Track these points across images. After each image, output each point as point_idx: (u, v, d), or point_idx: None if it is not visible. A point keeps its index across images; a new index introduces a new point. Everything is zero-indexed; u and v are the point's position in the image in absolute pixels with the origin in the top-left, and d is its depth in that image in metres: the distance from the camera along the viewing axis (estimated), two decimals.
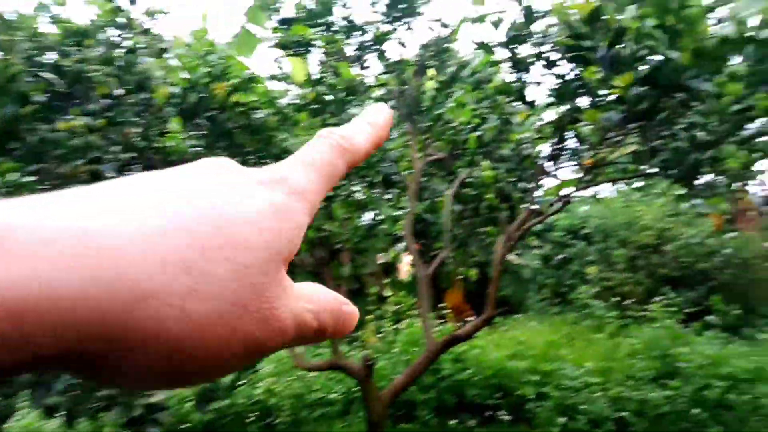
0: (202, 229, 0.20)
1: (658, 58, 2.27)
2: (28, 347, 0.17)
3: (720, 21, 2.88)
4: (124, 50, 3.61)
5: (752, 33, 2.72)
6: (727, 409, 4.97)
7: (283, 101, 4.63)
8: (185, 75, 3.46)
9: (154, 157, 3.92)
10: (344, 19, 4.22)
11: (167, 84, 3.68)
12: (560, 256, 8.62)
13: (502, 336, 6.99)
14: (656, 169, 4.14)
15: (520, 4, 2.79)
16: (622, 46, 2.26)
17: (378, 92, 5.07)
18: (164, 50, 3.77)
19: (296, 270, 4.37)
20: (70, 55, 3.45)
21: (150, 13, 3.57)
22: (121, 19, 3.67)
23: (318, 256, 4.27)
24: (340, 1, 4.28)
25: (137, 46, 3.63)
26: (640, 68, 2.35)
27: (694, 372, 5.39)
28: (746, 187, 9.77)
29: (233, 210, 0.21)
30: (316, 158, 0.26)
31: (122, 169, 3.86)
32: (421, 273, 4.52)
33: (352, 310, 0.27)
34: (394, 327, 7.11)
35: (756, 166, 5.29)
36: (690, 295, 7.52)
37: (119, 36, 3.70)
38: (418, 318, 6.93)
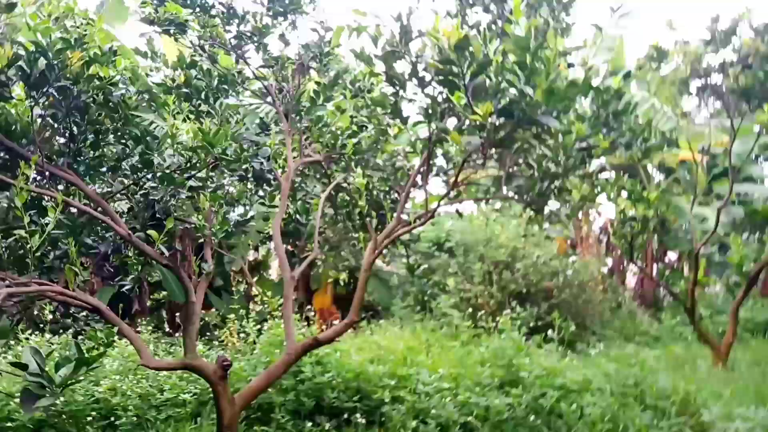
0: None
1: (516, 91, 2.45)
2: None
3: (571, 65, 3.18)
4: None
5: (596, 81, 3.05)
6: (559, 417, 5.49)
7: (151, 80, 4.32)
8: (34, 38, 3.08)
9: None
10: (222, 4, 4.04)
11: (13, 44, 3.26)
12: (424, 266, 8.99)
13: (365, 340, 7.10)
14: (511, 193, 4.48)
15: (398, 21, 2.86)
16: (485, 77, 2.42)
17: (255, 85, 4.92)
18: (13, 5, 3.33)
19: (154, 264, 4.09)
20: None
21: None
22: None
23: (177, 251, 4.02)
24: None
25: None
26: (500, 99, 2.52)
27: (533, 381, 5.88)
28: (588, 216, 10.98)
29: None
30: None
31: None
32: (287, 274, 4.45)
33: None
34: (258, 328, 6.90)
35: (596, 199, 5.94)
36: (534, 310, 8.23)
37: None
38: (282, 319, 6.82)
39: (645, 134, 4.48)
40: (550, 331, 7.85)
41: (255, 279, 11.84)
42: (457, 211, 4.99)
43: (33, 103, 3.41)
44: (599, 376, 6.06)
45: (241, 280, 11.05)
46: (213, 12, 3.93)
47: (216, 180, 4.43)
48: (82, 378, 4.29)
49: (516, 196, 4.13)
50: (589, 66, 3.20)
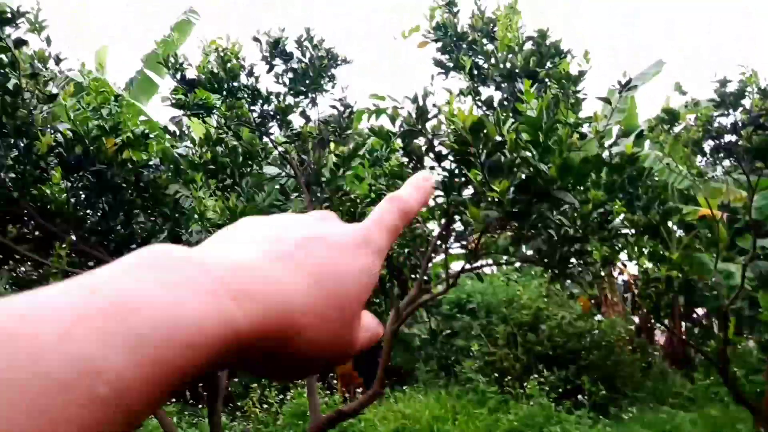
0: (330, 286, 0.30)
1: (531, 168, 2.54)
2: (246, 352, 0.26)
3: (584, 136, 3.27)
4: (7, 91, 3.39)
5: (606, 155, 3.13)
6: None
7: (177, 152, 4.51)
8: (73, 126, 3.30)
9: (30, 205, 3.64)
10: (248, 87, 4.27)
11: (52, 132, 3.49)
12: (447, 331, 8.87)
13: (389, 408, 6.96)
14: (531, 255, 4.50)
15: (415, 102, 3.01)
16: (501, 155, 2.51)
17: (275, 153, 5.11)
18: (54, 96, 3.58)
19: None
20: None
21: (40, 58, 3.41)
22: (4, 58, 3.46)
23: None
24: (246, 69, 4.35)
25: (22, 89, 3.43)
26: (516, 175, 2.61)
27: None
28: (611, 275, 10.82)
29: (344, 269, 0.31)
30: (387, 221, 0.35)
31: None
32: None
33: (380, 331, 0.37)
34: (280, 398, 6.83)
35: (618, 259, 5.90)
36: (562, 374, 8.01)
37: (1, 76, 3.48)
38: (305, 388, 6.74)
39: (662, 197, 4.52)
40: (580, 396, 7.61)
41: None
42: (477, 274, 5.00)
43: (69, 186, 3.60)
44: None
45: None
46: (239, 95, 4.15)
47: None
48: None
49: (536, 259, 4.15)
50: (601, 136, 3.29)
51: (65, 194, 3.63)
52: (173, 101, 3.85)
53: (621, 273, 11.12)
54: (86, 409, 0.19)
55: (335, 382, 9.43)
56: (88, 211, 3.90)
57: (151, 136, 3.73)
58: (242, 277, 0.26)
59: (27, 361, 0.19)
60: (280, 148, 4.97)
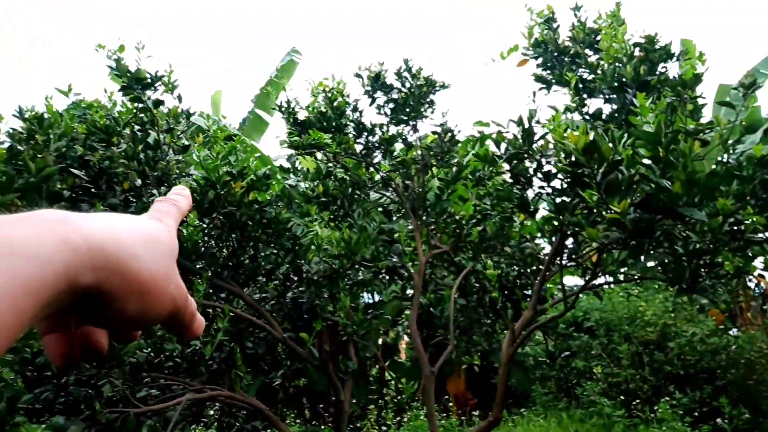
0: (149, 237, 0.38)
1: (652, 185, 2.43)
2: (87, 274, 0.32)
3: (706, 143, 3.07)
4: (147, 145, 3.83)
5: (736, 158, 2.91)
6: None
7: (288, 183, 4.83)
8: (205, 173, 3.65)
9: None
10: (353, 121, 4.48)
11: (187, 180, 3.87)
12: (565, 353, 8.50)
13: None
14: (654, 268, 4.23)
15: (519, 125, 3.00)
16: (617, 172, 2.43)
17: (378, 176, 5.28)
18: (187, 147, 3.99)
19: (307, 365, 4.37)
20: (97, 150, 3.67)
21: (174, 116, 3.82)
22: (145, 117, 3.92)
23: (324, 351, 4.29)
24: (350, 105, 4.57)
25: (160, 142, 3.86)
26: (635, 193, 2.51)
27: None
28: (747, 286, 9.81)
29: (155, 231, 0.40)
30: (166, 212, 0.45)
31: None
32: (427, 369, 4.51)
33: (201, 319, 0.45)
34: (397, 419, 6.93)
35: (755, 267, 5.36)
36: (697, 395, 7.36)
37: (142, 132, 3.94)
38: (421, 409, 6.80)
39: None
40: (719, 419, 6.94)
41: (387, 363, 11.93)
42: (595, 292, 4.79)
43: (203, 226, 3.98)
44: None
45: (373, 364, 11.23)
46: (346, 130, 4.37)
47: (353, 276, 4.73)
48: None
49: (660, 274, 3.90)
50: (725, 140, 3.07)
51: (200, 233, 4.00)
52: (289, 143, 4.14)
53: (758, 283, 10.06)
54: None
55: (450, 404, 9.38)
56: (219, 248, 4.26)
57: (270, 175, 4.02)
58: (70, 218, 0.33)
59: None
60: (384, 175, 5.14)
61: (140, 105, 3.74)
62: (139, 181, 3.81)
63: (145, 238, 0.37)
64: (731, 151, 3.17)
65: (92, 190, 3.47)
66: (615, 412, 7.17)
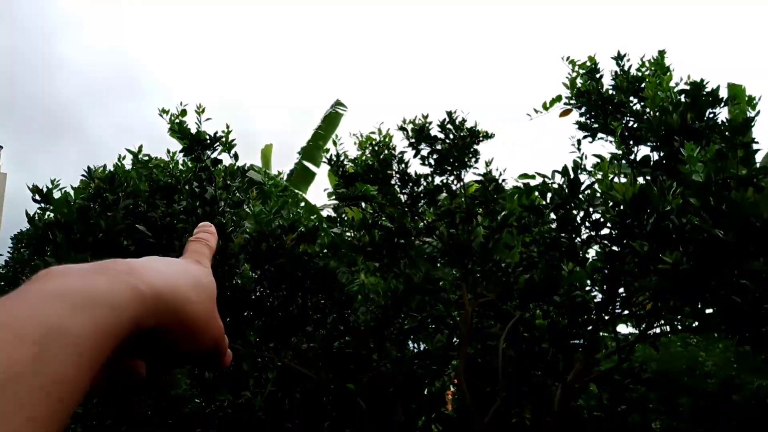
0: (196, 281, 0.42)
1: (704, 235, 2.39)
2: (150, 319, 0.35)
3: (760, 189, 3.01)
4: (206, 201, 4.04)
5: None
6: None
7: (336, 236, 4.94)
8: (258, 227, 3.81)
9: (226, 294, 4.19)
10: (398, 173, 4.60)
11: (242, 233, 4.04)
12: (622, 407, 8.10)
13: None
14: (712, 316, 4.07)
15: (565, 175, 3.03)
16: (668, 223, 2.41)
17: (429, 237, 5.33)
18: (242, 202, 4.18)
19: (354, 419, 4.36)
20: (159, 207, 3.90)
21: (230, 173, 4.02)
22: (203, 175, 4.14)
23: (369, 406, 4.27)
24: (396, 157, 4.69)
25: (217, 198, 4.06)
26: (687, 243, 2.47)
27: None
28: None
29: (199, 275, 0.43)
30: (202, 253, 0.48)
31: None
32: (477, 425, 4.41)
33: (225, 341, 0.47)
34: None
35: None
36: None
37: (200, 189, 4.15)
38: None
39: None
40: None
41: (433, 415, 11.61)
42: (652, 343, 4.62)
43: (256, 277, 4.11)
44: None
45: (417, 416, 10.95)
46: (392, 181, 4.49)
47: (399, 325, 4.74)
48: None
49: (718, 322, 3.76)
50: None
51: (252, 284, 4.14)
52: (337, 195, 4.28)
53: None
54: (61, 354, 0.28)
55: None
56: (270, 298, 4.37)
57: (318, 227, 4.15)
58: (135, 268, 0.36)
59: (5, 331, 0.27)
60: (429, 224, 5.20)
61: (200, 164, 3.97)
62: None
63: (193, 282, 0.41)
64: None
65: (154, 244, 3.66)
66: None
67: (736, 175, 2.80)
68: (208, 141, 3.78)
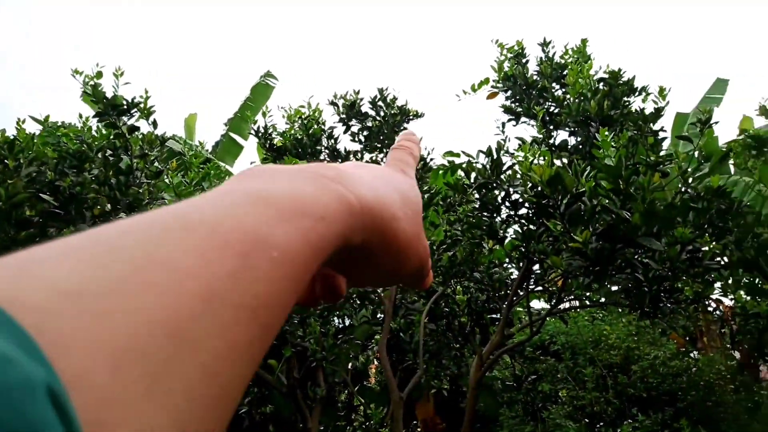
0: (403, 196, 0.37)
1: (613, 216, 2.56)
2: (358, 235, 0.31)
3: (666, 174, 3.24)
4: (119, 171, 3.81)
5: (695, 189, 3.07)
6: None
7: None
8: (177, 199, 3.65)
9: None
10: (328, 148, 4.55)
11: (160, 206, 3.86)
12: (532, 376, 8.62)
13: None
14: (617, 293, 4.39)
15: (488, 156, 3.12)
16: (580, 204, 2.55)
17: None
18: (160, 173, 3.99)
19: (273, 391, 4.33)
20: (68, 175, 3.64)
21: (148, 141, 3.82)
22: (118, 143, 3.90)
23: (292, 377, 4.26)
24: (326, 132, 4.64)
25: (133, 168, 3.85)
26: (597, 223, 2.63)
27: None
28: (706, 309, 10.16)
29: (406, 189, 0.38)
30: (407, 162, 0.44)
31: None
32: (395, 395, 4.52)
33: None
34: None
35: (713, 293, 5.58)
36: (659, 417, 7.55)
37: (114, 158, 3.91)
38: None
39: (757, 229, 4.31)
40: None
41: (356, 388, 11.82)
42: (561, 317, 4.92)
43: None
44: None
45: (342, 389, 11.10)
46: (321, 156, 4.44)
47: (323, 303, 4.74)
48: None
49: (623, 298, 4.05)
50: (684, 171, 3.25)
51: None
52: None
53: (717, 306, 10.43)
54: (266, 270, 0.23)
55: (418, 429, 9.35)
56: None
57: None
58: (344, 175, 0.32)
59: (210, 235, 0.22)
60: None
61: (115, 131, 3.73)
62: (109, 206, 3.78)
63: (401, 197, 0.36)
64: (690, 182, 3.34)
65: (62, 215, 3.42)
66: None
67: (644, 161, 3.00)
68: (125, 106, 3.55)
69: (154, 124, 3.79)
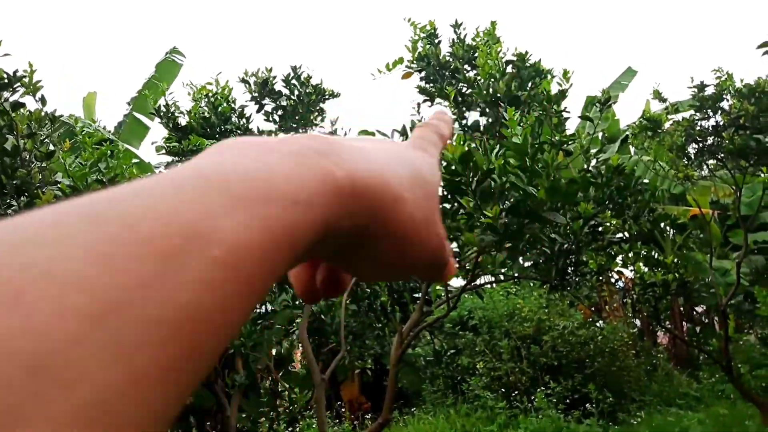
0: (414, 174, 0.31)
1: (520, 192, 2.64)
2: (347, 220, 0.26)
3: (569, 153, 3.38)
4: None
5: (596, 167, 3.23)
6: None
7: None
8: (71, 182, 3.38)
9: None
10: (239, 128, 4.38)
11: (52, 189, 3.55)
12: (452, 351, 8.90)
13: None
14: (528, 269, 4.59)
15: (403, 135, 3.11)
16: (490, 181, 2.61)
17: None
18: (52, 153, 3.66)
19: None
20: None
21: (37, 119, 3.49)
22: (1, 121, 3.54)
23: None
24: (236, 111, 4.46)
25: (20, 149, 3.51)
26: (506, 200, 2.71)
27: None
28: (609, 281, 10.91)
29: (421, 167, 0.32)
30: (430, 140, 0.38)
31: None
32: (317, 377, 4.49)
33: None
34: (289, 430, 6.83)
35: (614, 265, 5.97)
36: (569, 384, 8.04)
37: None
38: (314, 418, 6.76)
39: (651, 204, 4.63)
40: (588, 405, 7.63)
41: (280, 374, 11.70)
42: (477, 292, 5.07)
43: None
44: None
45: (265, 376, 10.96)
46: (231, 136, 4.26)
47: None
48: None
49: (533, 273, 4.23)
50: (586, 150, 3.41)
51: None
52: (167, 149, 3.94)
53: (619, 278, 11.22)
54: (200, 272, 0.18)
55: (343, 410, 9.42)
56: None
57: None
58: (336, 148, 0.27)
59: (124, 232, 0.17)
60: None
61: None
62: None
63: (411, 175, 0.30)
64: (591, 161, 3.51)
65: None
66: (497, 404, 7.63)
67: (549, 140, 3.11)
68: (6, 80, 3.21)
69: (42, 101, 3.47)
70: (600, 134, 6.69)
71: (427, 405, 8.68)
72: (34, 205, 3.52)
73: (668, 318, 10.95)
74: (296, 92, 4.91)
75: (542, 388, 7.78)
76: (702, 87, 5.71)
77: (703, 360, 11.42)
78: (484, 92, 3.59)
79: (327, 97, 5.05)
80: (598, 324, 9.87)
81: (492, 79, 3.66)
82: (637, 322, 12.05)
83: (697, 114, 5.66)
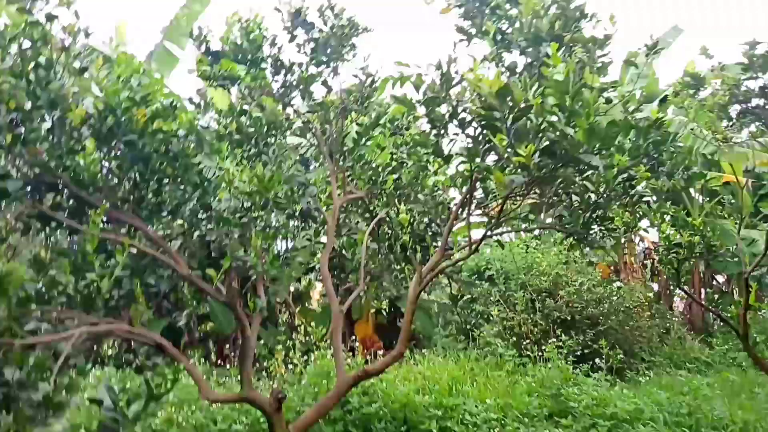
0: None
1: (557, 132, 2.57)
2: None
3: (609, 101, 3.27)
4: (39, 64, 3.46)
5: (634, 117, 3.12)
6: None
7: (204, 129, 4.60)
8: (104, 97, 3.38)
9: (64, 176, 3.75)
10: (271, 57, 4.30)
11: (84, 104, 3.57)
12: (466, 297, 8.99)
13: (409, 370, 7.14)
14: (552, 222, 4.55)
15: (439, 69, 3.03)
16: (526, 119, 2.54)
17: (297, 123, 5.16)
18: (84, 69, 3.66)
19: (213, 309, 4.29)
20: None
21: (70, 32, 3.47)
22: (35, 33, 3.53)
23: (232, 289, 4.22)
24: (268, 39, 4.37)
25: (53, 62, 3.50)
26: (541, 140, 2.64)
27: (583, 411, 5.80)
28: (632, 242, 10.81)
29: None
30: None
31: (27, 185, 3.65)
32: (336, 307, 4.59)
33: None
34: (304, 358, 7.07)
35: (639, 225, 5.87)
36: (580, 339, 8.11)
37: (32, 50, 3.55)
38: (328, 350, 6.98)
39: (687, 162, 4.50)
40: (597, 360, 7.72)
41: (297, 309, 12.01)
42: (498, 241, 5.06)
43: (102, 156, 3.71)
44: (651, 406, 5.93)
45: (284, 310, 11.26)
46: (263, 65, 4.19)
47: (266, 218, 4.65)
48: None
49: (557, 226, 4.18)
50: (626, 100, 3.29)
51: (98, 164, 3.74)
52: (199, 73, 3.90)
53: (641, 240, 11.10)
54: None
55: (357, 345, 9.67)
56: (120, 181, 4.00)
57: (177, 105, 3.79)
58: None
59: None
60: (303, 118, 5.02)
61: (30, 19, 3.35)
62: (29, 104, 3.46)
63: None
64: (629, 111, 3.39)
65: None
66: (507, 352, 7.75)
67: (590, 86, 2.99)
68: None
69: (77, 14, 3.43)
70: (638, 92, 6.44)
71: (438, 348, 8.87)
72: (64, 119, 3.54)
73: (688, 283, 10.86)
74: (329, 24, 4.78)
75: (553, 340, 7.87)
76: (754, 44, 5.43)
77: (717, 328, 11.39)
78: (526, 30, 3.45)
79: (360, 31, 4.92)
80: (615, 284, 9.84)
81: (535, 17, 3.50)
82: (655, 286, 11.99)
83: (745, 74, 5.40)
